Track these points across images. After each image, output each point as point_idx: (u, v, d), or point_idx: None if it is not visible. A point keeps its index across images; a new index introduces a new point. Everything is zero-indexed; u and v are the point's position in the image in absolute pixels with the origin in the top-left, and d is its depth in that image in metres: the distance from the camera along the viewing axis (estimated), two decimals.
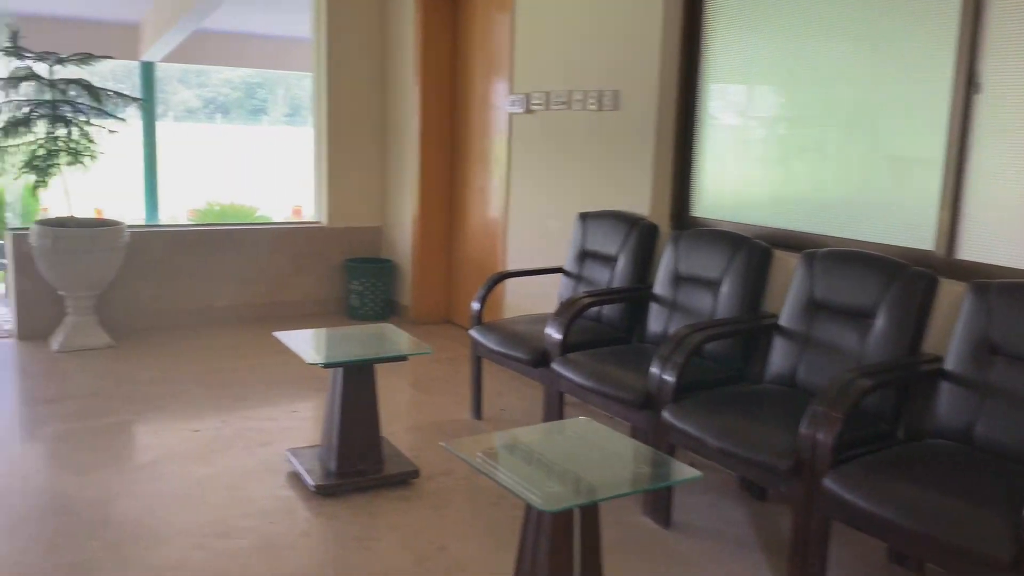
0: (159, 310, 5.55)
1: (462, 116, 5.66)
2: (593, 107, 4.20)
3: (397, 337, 3.54)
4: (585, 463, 2.34)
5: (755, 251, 3.38)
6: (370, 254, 6.20)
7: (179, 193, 18.46)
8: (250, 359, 4.99)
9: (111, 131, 5.01)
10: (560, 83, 4.44)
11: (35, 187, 4.85)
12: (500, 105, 5.13)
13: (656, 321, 3.66)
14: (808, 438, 2.46)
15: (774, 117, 3.73)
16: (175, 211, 17.81)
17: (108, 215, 5.99)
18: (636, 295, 3.78)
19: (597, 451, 2.41)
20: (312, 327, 5.64)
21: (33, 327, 5.17)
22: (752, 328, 3.31)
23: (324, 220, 6.10)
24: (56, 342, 4.98)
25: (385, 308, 5.97)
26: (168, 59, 12.90)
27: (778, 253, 3.38)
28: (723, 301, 3.42)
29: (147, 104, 5.22)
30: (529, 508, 2.13)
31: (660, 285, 3.67)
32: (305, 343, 3.37)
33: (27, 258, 5.03)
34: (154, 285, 5.53)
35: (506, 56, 4.89)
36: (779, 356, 3.17)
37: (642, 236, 3.85)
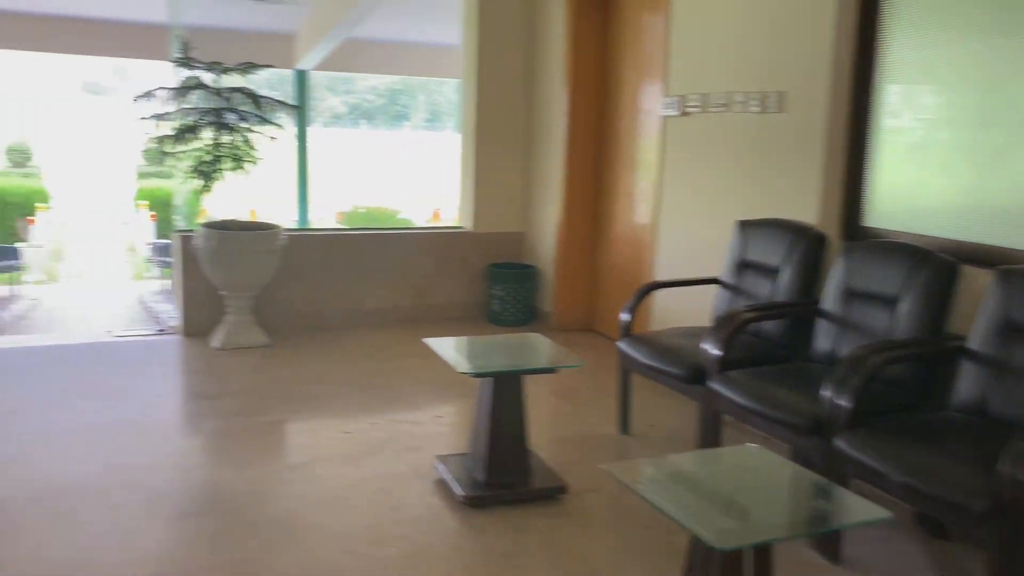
0: (311, 311, 5.72)
1: (610, 120, 5.53)
2: (755, 109, 3.98)
3: (546, 348, 3.46)
4: (757, 495, 2.17)
5: (940, 266, 3.08)
6: (513, 259, 6.17)
7: (326, 196, 19.26)
8: (397, 361, 5.05)
9: (271, 138, 5.19)
10: (719, 84, 4.24)
11: (200, 191, 5.09)
12: (652, 108, 4.97)
13: (824, 339, 3.40)
14: (1008, 477, 2.19)
15: (962, 120, 3.39)
16: (322, 213, 18.59)
17: (260, 217, 6.22)
18: (801, 310, 3.54)
19: (769, 482, 2.24)
20: (455, 332, 5.70)
21: (197, 325, 5.43)
22: (936, 351, 3.01)
23: (469, 225, 6.12)
24: (217, 340, 5.21)
25: (527, 314, 5.92)
26: (320, 67, 13.42)
27: (965, 268, 3.07)
28: (901, 320, 3.13)
29: (302, 111, 5.31)
30: (697, 542, 1.99)
31: (829, 300, 3.42)
32: (455, 351, 3.34)
33: (193, 259, 5.29)
34: (307, 287, 5.70)
35: (660, 58, 4.73)
36: (967, 382, 2.86)
37: (809, 247, 3.60)
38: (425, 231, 6.22)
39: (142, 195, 17.74)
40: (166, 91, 5.04)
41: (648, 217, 5.00)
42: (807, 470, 2.36)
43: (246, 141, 5.14)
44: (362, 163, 32.17)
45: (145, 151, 23.17)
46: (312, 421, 4.06)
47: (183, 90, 5.11)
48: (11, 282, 11.43)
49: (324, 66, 13.74)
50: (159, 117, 4.99)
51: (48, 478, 3.28)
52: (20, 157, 21.00)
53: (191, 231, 5.35)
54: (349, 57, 13.35)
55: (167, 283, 11.60)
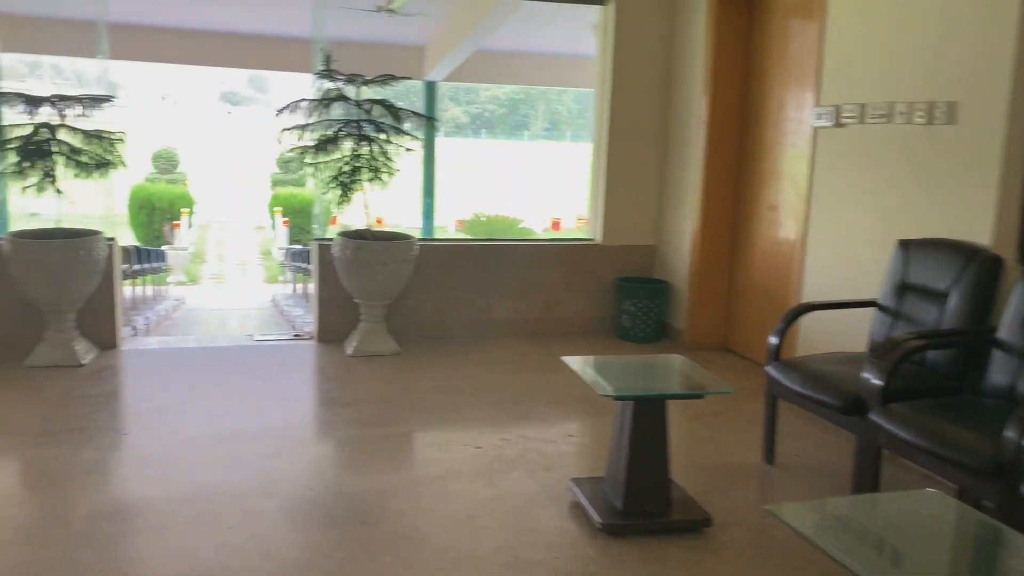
0: (438, 321, 5.73)
1: (753, 130, 5.29)
2: (921, 120, 3.69)
3: (690, 371, 3.29)
4: (943, 551, 1.95)
5: None
6: (643, 273, 6.01)
7: (446, 204, 19.58)
8: (525, 374, 4.98)
9: (408, 149, 5.24)
10: (879, 94, 3.96)
11: (339, 202, 5.18)
12: (802, 118, 4.71)
13: (1001, 372, 3.09)
14: None
15: None
16: (443, 221, 18.90)
17: (386, 226, 6.27)
18: (973, 339, 3.24)
19: (954, 535, 2.01)
20: (583, 347, 5.61)
21: (331, 331, 5.53)
22: None
23: (599, 237, 6.00)
24: (350, 347, 5.29)
25: (658, 331, 5.74)
26: (449, 79, 13.64)
27: None
28: None
29: (433, 122, 5.33)
30: None
31: (1007, 330, 3.10)
32: (595, 372, 3.22)
33: (329, 267, 5.39)
34: (436, 296, 5.71)
35: (811, 66, 4.47)
36: None
37: (982, 270, 3.30)
38: (553, 243, 6.14)
39: (276, 201, 18.51)
40: (308, 103, 5.16)
41: (794, 233, 4.74)
42: (996, 522, 2.11)
43: (384, 152, 5.20)
44: (483, 172, 32.59)
45: (280, 159, 24.23)
46: (442, 433, 4.03)
47: (324, 102, 5.22)
48: (157, 283, 12.11)
49: (453, 77, 13.97)
50: (301, 128, 5.11)
51: (194, 480, 3.37)
52: (166, 164, 22.34)
53: (328, 240, 5.46)
54: (475, 68, 13.49)
55: (299, 287, 12.00)
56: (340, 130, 5.17)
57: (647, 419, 3.04)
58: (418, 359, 5.22)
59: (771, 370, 3.60)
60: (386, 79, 5.14)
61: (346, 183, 5.15)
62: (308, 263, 11.15)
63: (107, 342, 5.17)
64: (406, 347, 5.39)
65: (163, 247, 15.66)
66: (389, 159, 5.25)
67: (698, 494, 3.30)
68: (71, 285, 4.70)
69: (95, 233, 4.88)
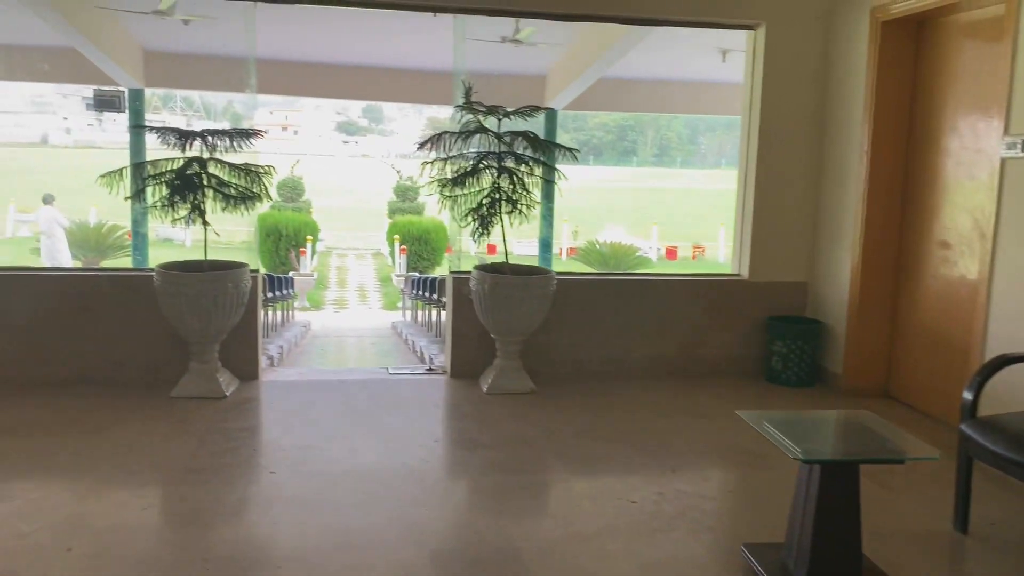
0: (573, 358, 5.52)
1: (921, 161, 4.88)
2: None
3: (883, 429, 2.95)
4: None
5: None
6: (792, 311, 5.63)
7: (559, 232, 19.44)
8: (670, 418, 4.70)
9: (548, 181, 5.08)
10: None
11: (478, 236, 5.07)
12: (984, 148, 4.29)
13: None
14: None
15: None
16: (555, 250, 18.75)
17: (498, 254, 6.05)
18: None
19: None
20: (729, 389, 5.28)
21: (464, 366, 5.41)
22: None
23: (744, 272, 5.67)
24: (485, 383, 5.14)
25: (810, 374, 5.35)
26: (569, 107, 13.54)
27: None
28: None
29: (576, 154, 5.16)
30: None
31: None
32: (775, 428, 2.92)
33: (465, 300, 5.28)
34: (571, 332, 5.51)
35: (999, 90, 4.06)
36: None
37: None
38: (694, 278, 5.83)
39: (394, 229, 18.83)
40: (448, 135, 5.08)
41: (974, 273, 4.31)
42: None
43: (522, 184, 5.07)
44: (593, 199, 32.38)
45: (396, 187, 24.80)
46: (592, 483, 3.80)
47: (464, 134, 5.14)
48: (284, 309, 12.42)
49: (571, 105, 13.86)
50: (444, 160, 5.04)
51: (340, 526, 3.26)
52: (291, 192, 23.14)
53: (464, 272, 5.36)
54: (594, 95, 13.34)
55: (420, 315, 12.07)
56: (480, 162, 5.06)
57: (838, 485, 2.73)
58: (555, 399, 5.02)
59: (967, 428, 3.21)
60: (529, 111, 5.01)
61: (485, 216, 5.03)
62: (427, 291, 11.23)
63: (248, 373, 5.20)
64: (540, 385, 5.20)
65: (290, 273, 16.14)
66: (528, 191, 5.11)
67: (888, 567, 2.95)
68: (218, 317, 4.75)
69: (241, 265, 4.93)
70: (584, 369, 5.53)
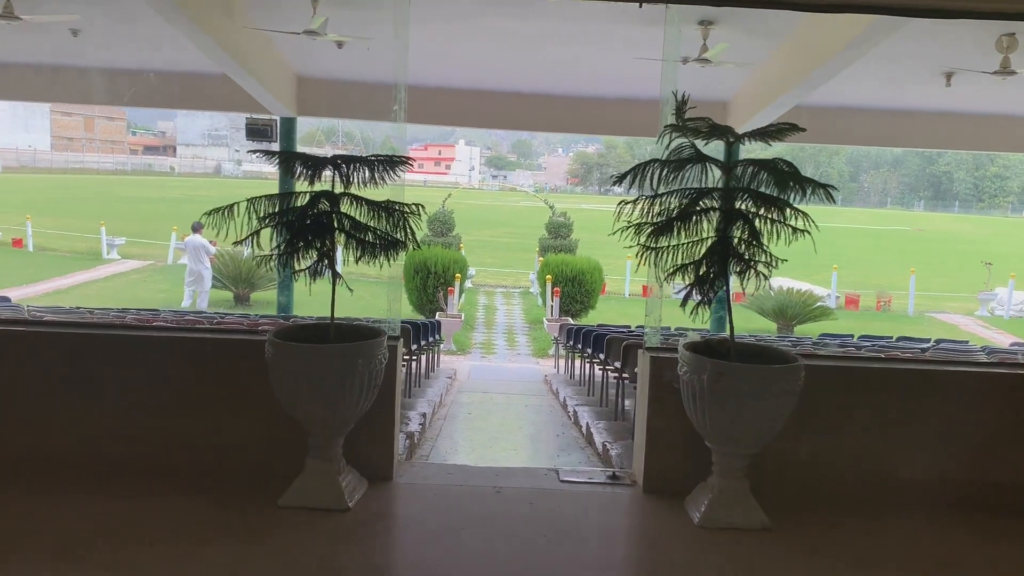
0: (817, 476, 3.98)
1: None
2: None
3: None
4: None
5: None
6: None
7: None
8: None
9: (801, 230, 3.59)
10: None
11: (693, 308, 3.63)
12: None
13: None
14: None
15: None
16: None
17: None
18: None
19: None
20: None
21: (663, 477, 3.97)
22: None
23: None
24: (696, 511, 3.67)
25: None
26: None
27: None
28: None
29: (833, 194, 3.56)
30: None
31: None
32: None
33: (666, 388, 3.87)
34: (812, 439, 3.97)
35: None
36: None
37: None
38: (993, 370, 4.17)
39: (547, 268, 17.57)
40: (656, 164, 3.71)
41: None
42: None
43: (756, 237, 3.60)
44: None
45: (548, 223, 23.68)
46: None
47: (673, 163, 3.75)
48: (430, 353, 11.38)
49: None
50: (651, 199, 3.66)
51: None
52: (442, 226, 22.49)
53: (668, 351, 3.96)
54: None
55: (574, 368, 10.73)
56: (698, 202, 3.66)
57: None
58: (799, 541, 3.51)
59: None
60: (774, 131, 3.57)
61: (706, 276, 3.60)
62: (585, 346, 9.88)
63: (379, 471, 3.98)
64: (770, 512, 3.67)
65: (436, 315, 15.20)
66: (762, 246, 3.64)
67: None
68: (344, 403, 3.56)
69: (377, 335, 3.73)
70: (829, 492, 3.96)
